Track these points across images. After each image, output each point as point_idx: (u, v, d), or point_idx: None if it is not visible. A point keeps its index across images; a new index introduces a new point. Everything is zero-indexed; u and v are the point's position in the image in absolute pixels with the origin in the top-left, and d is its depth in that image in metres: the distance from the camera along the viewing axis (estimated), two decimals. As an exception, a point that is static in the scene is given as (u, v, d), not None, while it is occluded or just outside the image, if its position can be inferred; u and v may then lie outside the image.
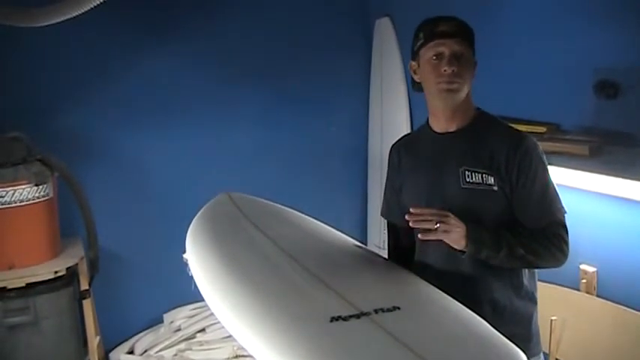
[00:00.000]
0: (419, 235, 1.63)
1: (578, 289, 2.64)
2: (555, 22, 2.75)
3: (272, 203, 2.20)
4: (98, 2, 2.77)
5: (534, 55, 2.83)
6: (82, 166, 3.39)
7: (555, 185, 1.76)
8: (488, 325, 1.46)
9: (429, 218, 1.63)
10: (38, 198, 3.06)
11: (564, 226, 1.72)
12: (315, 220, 2.10)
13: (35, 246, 3.11)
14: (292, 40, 3.91)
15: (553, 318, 2.55)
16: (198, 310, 3.73)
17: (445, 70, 1.71)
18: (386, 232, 2.05)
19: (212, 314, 1.85)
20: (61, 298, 3.09)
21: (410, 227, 1.88)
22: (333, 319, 1.39)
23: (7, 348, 2.98)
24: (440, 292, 1.62)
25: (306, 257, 1.72)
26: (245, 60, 3.82)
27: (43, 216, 3.13)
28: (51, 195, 3.15)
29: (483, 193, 1.72)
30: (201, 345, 3.56)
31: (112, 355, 3.58)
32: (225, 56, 3.77)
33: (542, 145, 2.57)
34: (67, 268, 3.10)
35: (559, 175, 2.47)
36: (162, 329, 3.73)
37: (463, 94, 1.75)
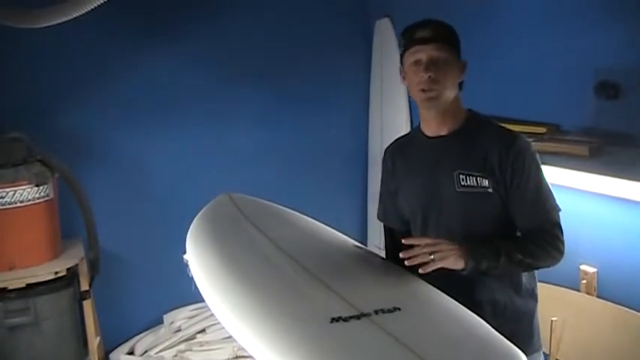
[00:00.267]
0: (419, 270, 1.62)
1: (579, 290, 2.64)
2: (555, 22, 2.75)
3: (272, 204, 2.20)
4: (99, 3, 2.77)
5: (535, 55, 2.83)
6: (82, 166, 3.40)
7: (549, 184, 1.77)
8: (488, 325, 1.46)
9: (423, 251, 1.62)
10: (39, 199, 3.07)
11: (559, 225, 1.73)
12: (316, 221, 2.10)
13: (35, 247, 3.11)
14: (292, 40, 3.92)
15: (553, 319, 2.55)
16: (199, 310, 3.73)
17: (422, 77, 1.72)
18: (383, 234, 2.06)
19: (212, 315, 1.85)
20: (61, 299, 3.09)
21: (407, 230, 1.90)
22: (334, 319, 1.39)
23: (8, 349, 2.98)
24: (440, 292, 1.62)
25: (307, 258, 1.72)
26: (245, 60, 3.82)
27: (43, 217, 3.13)
28: (51, 196, 3.15)
29: (479, 195, 1.73)
30: (202, 346, 3.56)
31: (112, 355, 3.58)
32: (226, 56, 3.77)
33: (543, 146, 2.59)
34: (68, 269, 3.11)
35: (559, 176, 2.48)
36: (162, 330, 3.73)
37: (445, 99, 1.75)
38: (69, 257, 3.20)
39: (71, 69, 3.45)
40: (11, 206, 2.99)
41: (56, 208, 3.23)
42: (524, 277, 1.80)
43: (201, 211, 2.10)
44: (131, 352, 3.61)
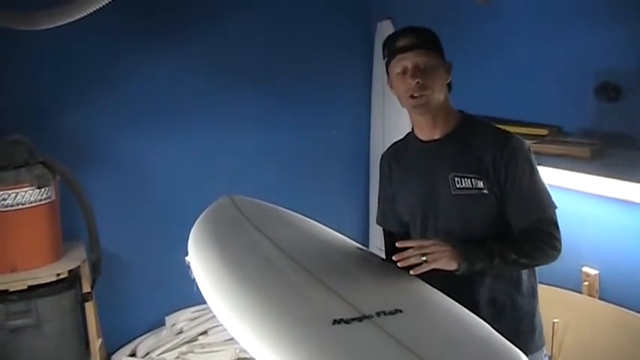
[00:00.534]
0: (410, 272, 1.63)
1: (580, 292, 2.64)
2: (556, 24, 2.75)
3: (274, 206, 2.20)
4: (99, 5, 2.78)
5: (535, 57, 2.83)
6: (83, 168, 3.40)
7: (545, 183, 1.77)
8: (489, 327, 1.46)
9: (415, 253, 1.63)
10: (40, 201, 3.07)
11: (555, 223, 1.73)
12: (317, 223, 2.11)
13: (37, 249, 3.12)
14: (293, 42, 3.92)
15: (555, 320, 2.55)
16: (200, 312, 3.73)
17: (410, 84, 1.74)
18: (383, 238, 2.06)
19: (214, 317, 1.85)
20: (63, 301, 3.09)
21: (406, 232, 1.90)
22: (335, 321, 1.39)
23: (9, 351, 2.98)
24: (441, 294, 1.62)
25: (308, 260, 1.72)
26: (246, 63, 3.83)
27: (45, 219, 3.13)
28: (53, 198, 3.15)
29: (475, 197, 1.74)
30: (203, 347, 3.56)
31: (114, 357, 3.58)
32: (226, 59, 3.78)
33: (544, 148, 2.59)
34: (69, 271, 3.11)
35: (560, 178, 2.48)
36: (164, 332, 3.73)
37: (435, 102, 1.77)
38: (71, 259, 3.20)
39: (72, 71, 3.45)
40: (13, 208, 2.99)
41: (58, 210, 3.23)
42: (525, 275, 1.81)
43: (203, 213, 2.10)
44: (133, 354, 3.61)
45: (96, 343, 3.23)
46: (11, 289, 2.95)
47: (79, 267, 3.17)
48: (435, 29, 1.81)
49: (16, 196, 2.99)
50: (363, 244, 2.06)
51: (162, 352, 3.53)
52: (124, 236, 3.62)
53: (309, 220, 2.13)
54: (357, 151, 4.24)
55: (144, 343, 3.66)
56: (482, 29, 3.10)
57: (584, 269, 2.63)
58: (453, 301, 1.58)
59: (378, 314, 1.42)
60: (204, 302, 1.69)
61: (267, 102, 3.93)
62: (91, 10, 2.81)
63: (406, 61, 1.75)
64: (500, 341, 1.40)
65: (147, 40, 3.58)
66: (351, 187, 4.28)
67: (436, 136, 1.83)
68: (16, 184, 2.99)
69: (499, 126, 1.86)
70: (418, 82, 1.73)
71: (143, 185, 3.70)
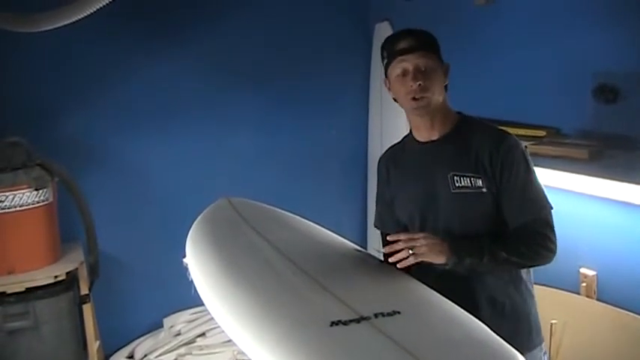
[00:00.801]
0: (397, 266, 1.66)
1: (578, 293, 2.64)
2: (554, 26, 2.76)
3: (272, 207, 2.20)
4: (98, 7, 2.78)
5: (534, 59, 2.84)
6: (81, 170, 3.39)
7: (541, 183, 1.78)
8: (487, 328, 1.46)
9: (403, 247, 1.65)
10: (38, 202, 3.06)
11: (550, 224, 1.74)
12: (315, 225, 2.11)
13: (35, 251, 3.11)
14: (292, 44, 3.93)
15: (553, 321, 2.55)
16: (198, 314, 3.73)
17: (412, 86, 1.74)
18: (381, 241, 2.06)
19: (212, 319, 1.85)
20: (60, 303, 3.08)
21: None
22: (333, 323, 1.39)
23: (7, 353, 2.98)
24: (439, 296, 1.62)
25: (306, 261, 1.72)
26: (245, 64, 3.83)
27: (42, 221, 3.13)
28: (51, 199, 3.15)
29: (473, 196, 1.75)
30: (202, 349, 3.55)
31: (112, 359, 3.57)
32: (226, 61, 3.78)
33: (542, 149, 2.59)
34: (67, 273, 3.10)
35: (559, 179, 2.48)
36: (162, 334, 3.73)
37: (435, 104, 1.78)
38: (68, 261, 3.20)
39: (71, 73, 3.45)
40: (10, 210, 2.99)
41: (55, 212, 3.23)
42: (524, 274, 1.82)
43: (201, 215, 2.10)
44: (131, 356, 3.61)
45: (94, 345, 3.23)
46: (9, 291, 2.95)
47: (76, 269, 3.16)
48: (433, 31, 1.82)
49: (13, 198, 2.99)
50: (361, 246, 2.06)
51: (161, 354, 3.52)
52: (123, 238, 3.62)
53: (307, 221, 2.13)
54: (356, 152, 4.24)
55: (142, 345, 3.66)
56: (480, 31, 3.10)
57: (582, 270, 2.64)
58: (451, 303, 1.58)
59: (375, 316, 1.42)
60: (203, 304, 1.69)
61: (266, 103, 3.93)
62: (91, 12, 2.81)
63: (406, 63, 1.75)
64: (497, 342, 1.40)
65: (146, 42, 3.58)
66: (350, 189, 4.28)
67: (434, 137, 1.84)
68: (14, 185, 2.99)
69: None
70: (420, 85, 1.73)
71: (142, 187, 3.70)
